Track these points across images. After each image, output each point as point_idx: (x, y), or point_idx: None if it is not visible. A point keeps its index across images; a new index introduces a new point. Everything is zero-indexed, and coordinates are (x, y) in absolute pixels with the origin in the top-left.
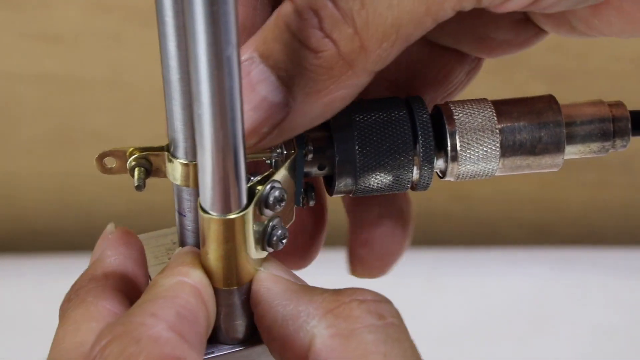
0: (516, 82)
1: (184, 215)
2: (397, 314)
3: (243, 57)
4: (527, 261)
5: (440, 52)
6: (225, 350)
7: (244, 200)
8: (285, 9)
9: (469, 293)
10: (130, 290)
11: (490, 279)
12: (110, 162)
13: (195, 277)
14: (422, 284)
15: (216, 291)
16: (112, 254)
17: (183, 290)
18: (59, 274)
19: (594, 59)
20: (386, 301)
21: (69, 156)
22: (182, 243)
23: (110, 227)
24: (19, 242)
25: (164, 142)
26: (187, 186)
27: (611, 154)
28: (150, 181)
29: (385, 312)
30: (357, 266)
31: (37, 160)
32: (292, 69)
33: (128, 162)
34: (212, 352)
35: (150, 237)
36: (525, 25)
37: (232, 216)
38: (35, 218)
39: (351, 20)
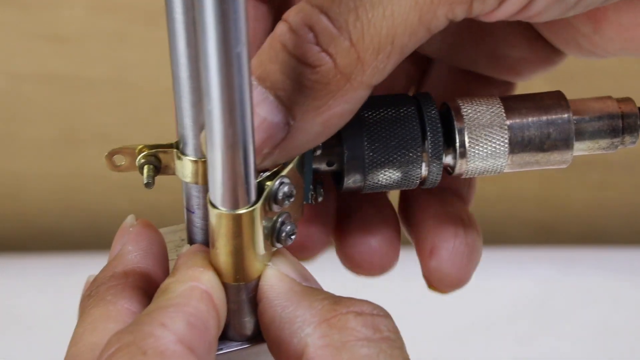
0: (521, 82)
1: (193, 212)
2: (394, 329)
3: None
4: (531, 261)
5: (467, 78)
6: (233, 347)
7: (253, 196)
8: (279, 29)
9: (473, 292)
10: (150, 288)
11: (494, 278)
12: (120, 160)
13: (207, 281)
14: (426, 284)
15: (225, 287)
16: (133, 250)
17: (194, 297)
18: (64, 273)
19: None
20: (385, 315)
21: (74, 156)
22: (191, 240)
23: (130, 219)
24: (25, 242)
25: (169, 142)
26: (197, 183)
27: (615, 154)
28: (156, 182)
29: (382, 325)
30: (433, 280)
31: (42, 160)
32: (291, 88)
33: (137, 160)
34: (221, 349)
35: None
36: (542, 43)
37: (241, 211)
38: (41, 217)
39: (347, 32)
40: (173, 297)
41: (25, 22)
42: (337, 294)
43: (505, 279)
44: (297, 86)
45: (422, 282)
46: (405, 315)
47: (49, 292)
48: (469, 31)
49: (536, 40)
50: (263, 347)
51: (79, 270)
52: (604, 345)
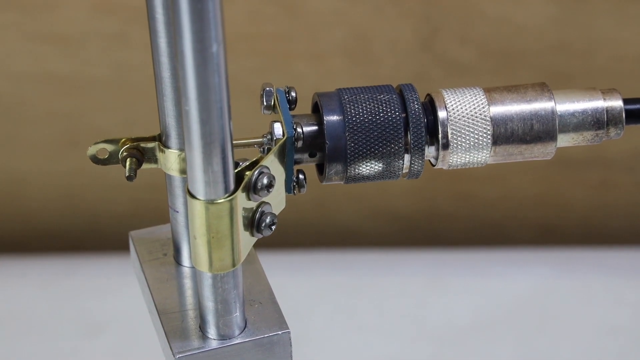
0: (518, 82)
1: (177, 212)
2: None
3: None
4: (532, 261)
5: None
6: (214, 345)
7: (232, 185)
8: None
9: (474, 293)
10: None
11: (494, 279)
12: (103, 153)
13: None
14: (427, 285)
15: (206, 279)
16: None
17: None
18: (65, 274)
19: (597, 58)
20: None
21: (75, 157)
22: (176, 239)
23: None
24: (25, 243)
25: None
26: (179, 175)
27: (615, 154)
28: (157, 183)
29: None
30: None
31: (43, 161)
32: None
33: (120, 153)
34: (202, 348)
35: (144, 233)
36: None
37: (220, 201)
38: (41, 219)
39: None
40: None
41: (26, 23)
42: (336, 295)
43: (505, 280)
44: None
45: (422, 282)
46: (406, 315)
47: (49, 293)
48: None
49: None
50: (244, 346)
51: (80, 271)
52: (604, 345)
